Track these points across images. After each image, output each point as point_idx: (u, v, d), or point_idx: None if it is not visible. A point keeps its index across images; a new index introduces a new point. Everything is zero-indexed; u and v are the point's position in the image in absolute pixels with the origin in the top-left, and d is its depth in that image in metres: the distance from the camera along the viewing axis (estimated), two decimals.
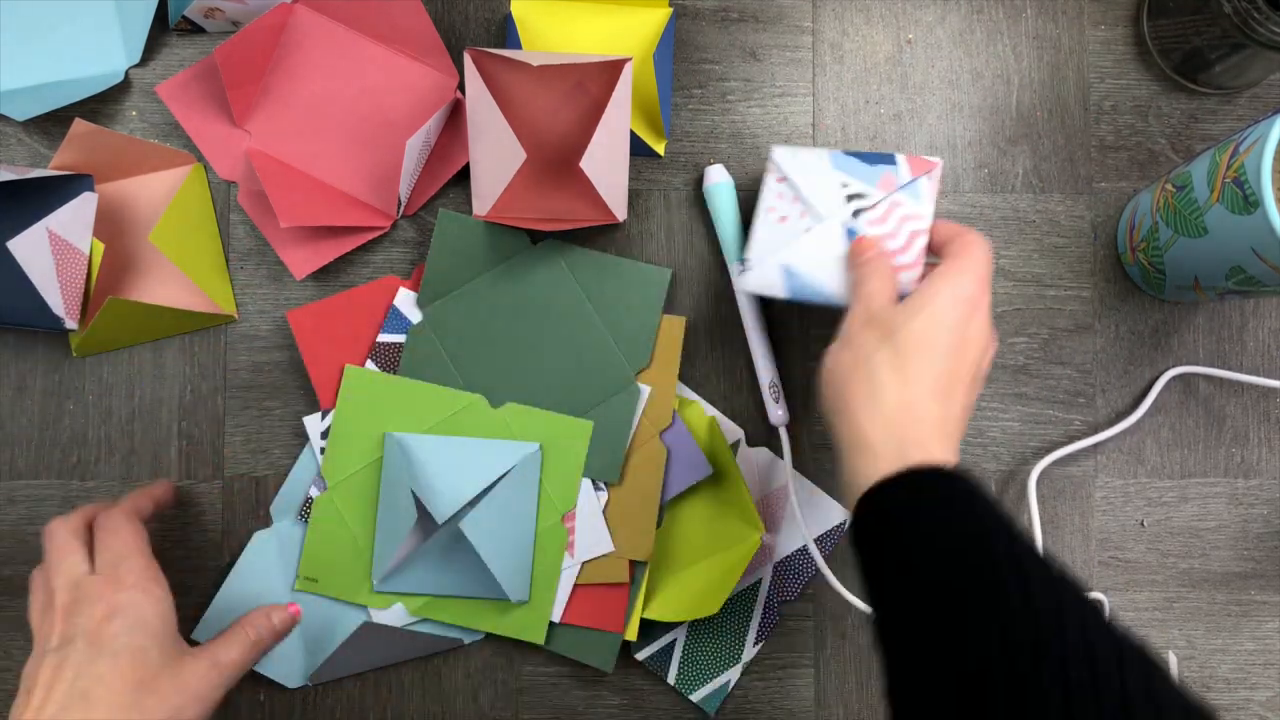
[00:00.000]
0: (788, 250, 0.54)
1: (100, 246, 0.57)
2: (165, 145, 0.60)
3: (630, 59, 0.54)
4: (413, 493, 0.57)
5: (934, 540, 0.41)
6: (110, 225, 0.59)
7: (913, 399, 0.45)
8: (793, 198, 0.54)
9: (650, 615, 0.59)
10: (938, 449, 0.44)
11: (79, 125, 0.57)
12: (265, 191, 0.58)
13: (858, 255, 0.51)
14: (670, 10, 0.61)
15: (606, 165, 0.56)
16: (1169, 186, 0.56)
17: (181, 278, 0.59)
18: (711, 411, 0.61)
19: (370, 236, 0.60)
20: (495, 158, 0.57)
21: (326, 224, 0.58)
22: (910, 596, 0.41)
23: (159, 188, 0.60)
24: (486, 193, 0.58)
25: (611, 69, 0.56)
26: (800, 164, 0.55)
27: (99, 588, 0.48)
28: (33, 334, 0.61)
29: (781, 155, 0.55)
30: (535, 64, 0.56)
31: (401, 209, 0.61)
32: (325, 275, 0.61)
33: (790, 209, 0.54)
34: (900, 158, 0.53)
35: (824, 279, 0.53)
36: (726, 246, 0.60)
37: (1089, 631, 0.37)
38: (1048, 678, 0.35)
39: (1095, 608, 0.39)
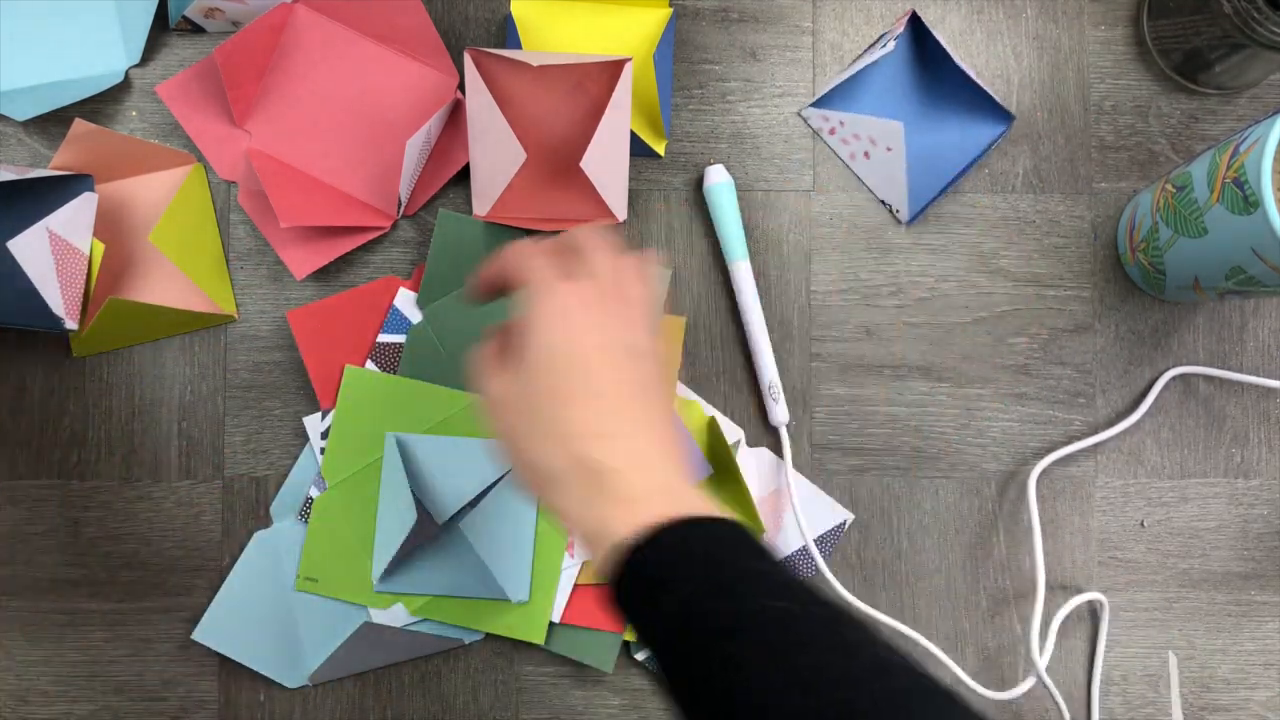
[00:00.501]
0: None
1: (100, 247, 0.57)
2: (165, 145, 0.60)
3: (630, 59, 0.54)
4: (413, 493, 0.57)
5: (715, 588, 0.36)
6: (110, 225, 0.59)
7: (578, 455, 0.41)
8: None
9: None
10: (647, 497, 0.39)
11: (79, 125, 0.57)
12: (265, 191, 0.58)
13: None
14: (670, 10, 0.61)
15: (606, 165, 0.56)
16: (1169, 187, 0.56)
17: (181, 278, 0.59)
18: (711, 411, 0.61)
19: (370, 236, 0.60)
20: (495, 158, 0.57)
21: (326, 224, 0.58)
22: (703, 643, 0.36)
23: (159, 188, 0.60)
24: (486, 193, 0.58)
25: (611, 69, 0.56)
26: None
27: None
28: (33, 334, 0.61)
29: None
30: (535, 64, 0.56)
31: (402, 209, 0.61)
32: (325, 275, 0.61)
33: None
34: None
35: None
36: (726, 246, 0.60)
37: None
38: None
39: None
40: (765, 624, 0.35)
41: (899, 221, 0.62)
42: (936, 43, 0.60)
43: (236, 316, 0.61)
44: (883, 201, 0.62)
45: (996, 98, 0.60)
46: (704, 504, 0.39)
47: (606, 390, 0.40)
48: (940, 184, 0.61)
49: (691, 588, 0.36)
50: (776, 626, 0.35)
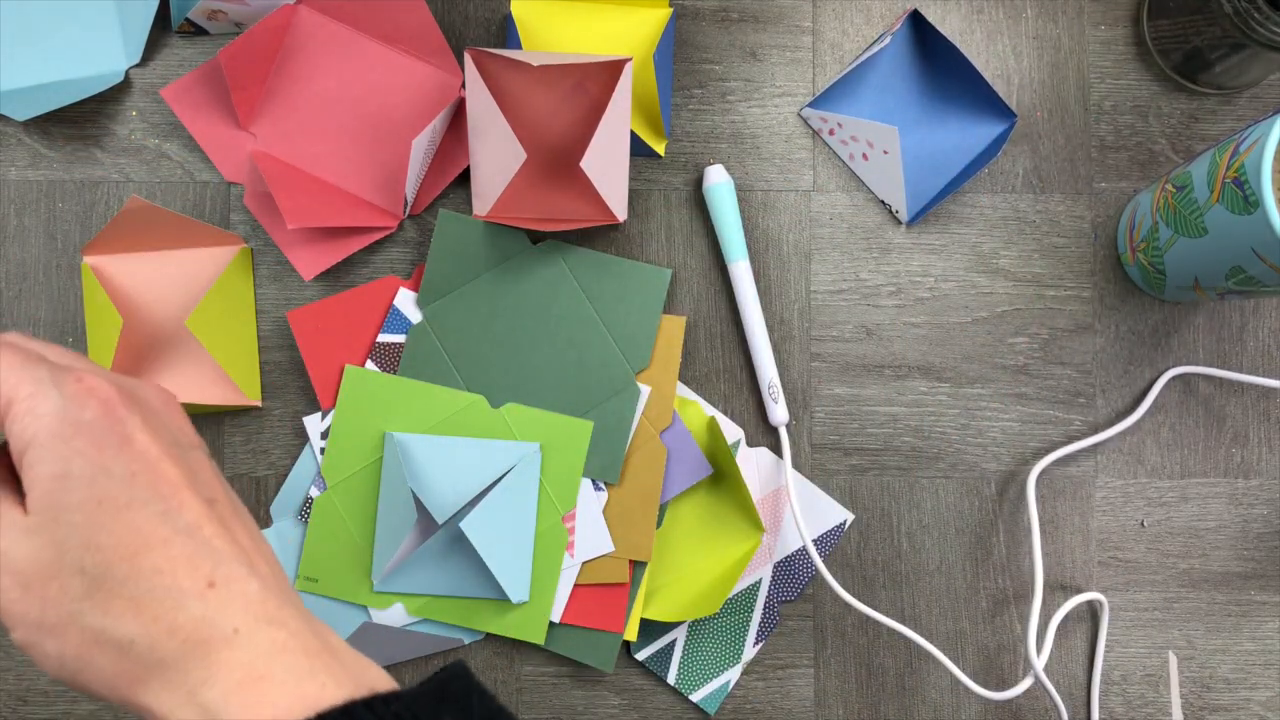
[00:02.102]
0: None
1: (119, 321, 0.56)
2: (214, 226, 0.59)
3: (630, 59, 0.54)
4: (413, 493, 0.57)
5: None
6: (144, 297, 0.59)
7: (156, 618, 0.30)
8: None
9: (650, 615, 0.59)
10: (253, 662, 0.29)
11: (134, 201, 0.54)
12: (271, 193, 0.58)
13: None
14: (670, 10, 0.61)
15: (606, 165, 0.56)
16: (1169, 187, 0.56)
17: (212, 364, 0.59)
18: (711, 411, 0.61)
19: (377, 237, 0.60)
20: (495, 158, 0.57)
21: (333, 225, 0.58)
22: None
23: (201, 269, 0.60)
24: (486, 193, 0.58)
25: (611, 69, 0.56)
26: None
27: None
28: (33, 334, 0.61)
29: None
30: (535, 64, 0.56)
31: (408, 209, 0.61)
32: (326, 275, 0.61)
33: None
34: None
35: None
36: (726, 246, 0.60)
37: None
38: None
39: None
40: None
41: (899, 222, 0.62)
42: (935, 42, 0.60)
43: (261, 405, 0.61)
44: (883, 202, 0.62)
45: (1000, 94, 0.60)
46: (346, 671, 0.31)
47: (198, 515, 0.30)
48: (940, 184, 0.61)
49: None
50: None
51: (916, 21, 0.60)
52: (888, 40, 0.59)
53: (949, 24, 0.63)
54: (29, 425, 0.29)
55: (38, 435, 0.29)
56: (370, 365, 0.60)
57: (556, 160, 0.60)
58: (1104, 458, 0.62)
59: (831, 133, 0.62)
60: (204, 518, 0.30)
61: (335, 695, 0.29)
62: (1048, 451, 0.61)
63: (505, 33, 0.62)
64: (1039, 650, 0.59)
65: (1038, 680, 0.58)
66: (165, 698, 0.28)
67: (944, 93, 0.61)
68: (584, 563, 0.59)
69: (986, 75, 0.63)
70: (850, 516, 0.61)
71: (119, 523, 0.29)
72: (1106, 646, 0.62)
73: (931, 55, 0.61)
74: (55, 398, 0.30)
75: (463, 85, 0.60)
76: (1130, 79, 0.63)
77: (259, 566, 0.31)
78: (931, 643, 0.61)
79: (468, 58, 0.55)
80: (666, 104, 0.60)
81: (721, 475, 0.60)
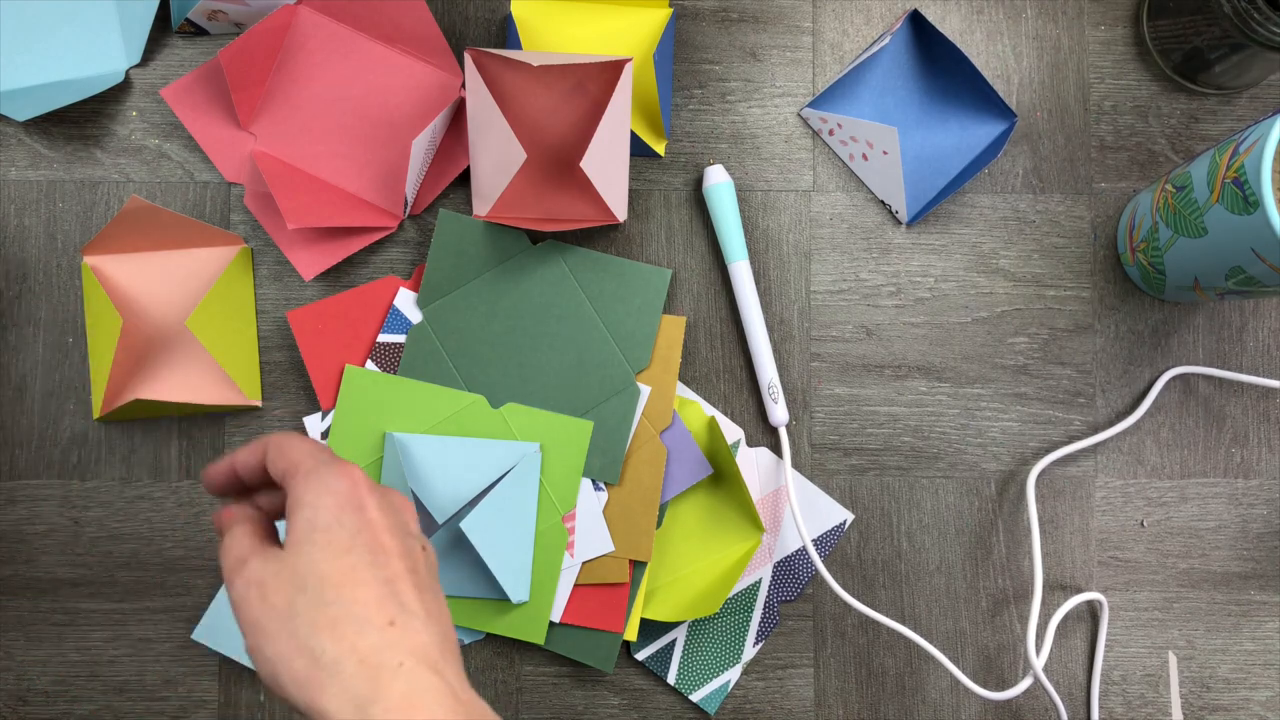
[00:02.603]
0: None
1: (118, 322, 0.56)
2: (215, 227, 0.59)
3: (630, 59, 0.54)
4: (413, 493, 0.57)
5: None
6: (144, 298, 0.59)
7: (366, 662, 0.37)
8: None
9: (650, 615, 0.59)
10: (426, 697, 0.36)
11: (134, 201, 0.55)
12: (272, 194, 0.58)
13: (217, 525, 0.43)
14: (670, 10, 0.61)
15: (606, 165, 0.56)
16: (1169, 187, 0.56)
17: (212, 365, 0.59)
18: (711, 411, 0.61)
19: (378, 237, 0.60)
20: (495, 158, 0.57)
21: (333, 225, 0.58)
22: None
23: (201, 269, 0.60)
24: (487, 193, 0.58)
25: (611, 69, 0.56)
26: None
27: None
28: (33, 334, 0.61)
29: None
30: (535, 64, 0.56)
31: (408, 209, 0.61)
32: (326, 275, 0.61)
33: None
34: None
35: None
36: (726, 246, 0.60)
37: None
38: None
39: None
40: None
41: (899, 222, 0.62)
42: (935, 42, 0.60)
43: (260, 406, 0.61)
44: (883, 202, 0.62)
45: (1000, 92, 0.60)
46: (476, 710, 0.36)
47: (398, 573, 0.38)
48: (940, 184, 0.61)
49: None
50: None
51: (916, 22, 0.60)
52: (887, 40, 0.59)
53: (949, 24, 0.63)
54: (301, 487, 0.39)
55: (304, 495, 0.38)
56: (370, 365, 0.60)
57: (556, 160, 0.60)
58: (1104, 458, 0.62)
59: (831, 133, 0.62)
60: (401, 577, 0.38)
61: None
62: (1048, 451, 0.62)
63: (505, 33, 0.62)
64: (1038, 650, 0.59)
65: (1037, 680, 0.58)
66: (338, 705, 0.35)
67: (944, 93, 0.61)
68: (584, 563, 0.59)
69: (986, 75, 0.63)
70: (850, 516, 0.61)
71: (339, 560, 0.37)
72: (1106, 646, 0.62)
73: (931, 55, 0.61)
74: (324, 474, 0.39)
75: (463, 85, 0.60)
76: (1130, 79, 0.63)
77: (434, 625, 0.38)
78: (931, 643, 0.61)
79: (468, 58, 0.55)
80: (666, 104, 0.60)
81: (721, 475, 0.61)
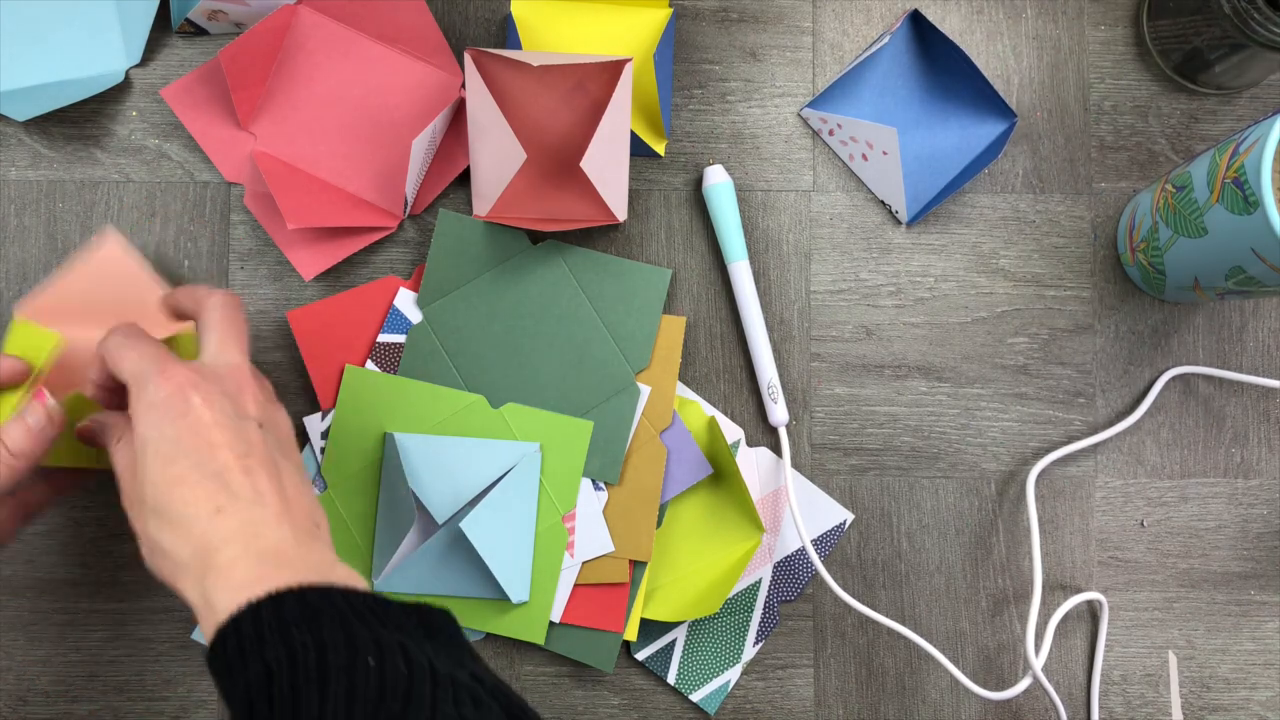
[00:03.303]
0: None
1: (52, 339, 0.53)
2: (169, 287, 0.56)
3: (630, 59, 0.54)
4: (413, 493, 0.57)
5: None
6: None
7: (193, 536, 0.42)
8: None
9: (650, 615, 0.59)
10: (247, 569, 0.40)
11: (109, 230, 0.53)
12: (272, 194, 0.58)
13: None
14: (670, 10, 0.61)
15: (606, 165, 0.56)
16: (1169, 187, 0.56)
17: None
18: (711, 411, 0.61)
19: (378, 237, 0.60)
20: (495, 158, 0.57)
21: (333, 225, 0.58)
22: None
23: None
24: (487, 193, 0.58)
25: (611, 69, 0.56)
26: None
27: None
28: None
29: None
30: (535, 64, 0.56)
31: (408, 209, 0.61)
32: (326, 275, 0.61)
33: None
34: None
35: None
36: (726, 246, 0.60)
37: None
38: None
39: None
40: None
41: (899, 222, 0.62)
42: (935, 42, 0.60)
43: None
44: (883, 202, 0.62)
45: (1000, 92, 0.60)
46: (318, 567, 0.40)
47: (226, 463, 0.42)
48: (940, 184, 0.61)
49: (260, 669, 0.36)
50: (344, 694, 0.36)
51: (916, 21, 0.60)
52: (887, 40, 0.59)
53: (949, 24, 0.63)
54: (132, 404, 0.43)
55: (135, 411, 0.43)
56: (370, 365, 0.60)
57: (556, 160, 0.60)
58: (1104, 458, 0.62)
59: (831, 133, 0.62)
60: (230, 467, 0.42)
61: (289, 582, 0.38)
62: (1047, 451, 0.62)
63: (505, 33, 0.62)
64: (1037, 650, 0.59)
65: (1036, 680, 0.58)
66: (188, 586, 0.40)
67: (944, 93, 0.61)
68: (584, 563, 0.59)
69: (986, 75, 0.63)
70: (850, 516, 0.61)
71: (166, 470, 0.41)
72: (1106, 646, 0.62)
73: (931, 55, 0.61)
74: (148, 386, 0.43)
75: (463, 85, 0.60)
76: (1130, 79, 0.63)
77: (266, 500, 0.42)
78: (931, 642, 0.61)
79: (468, 58, 0.55)
80: (666, 104, 0.60)
81: (721, 475, 0.61)
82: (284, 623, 0.37)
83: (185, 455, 0.41)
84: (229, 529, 0.40)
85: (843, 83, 0.61)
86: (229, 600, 0.38)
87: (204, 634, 0.39)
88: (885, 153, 0.59)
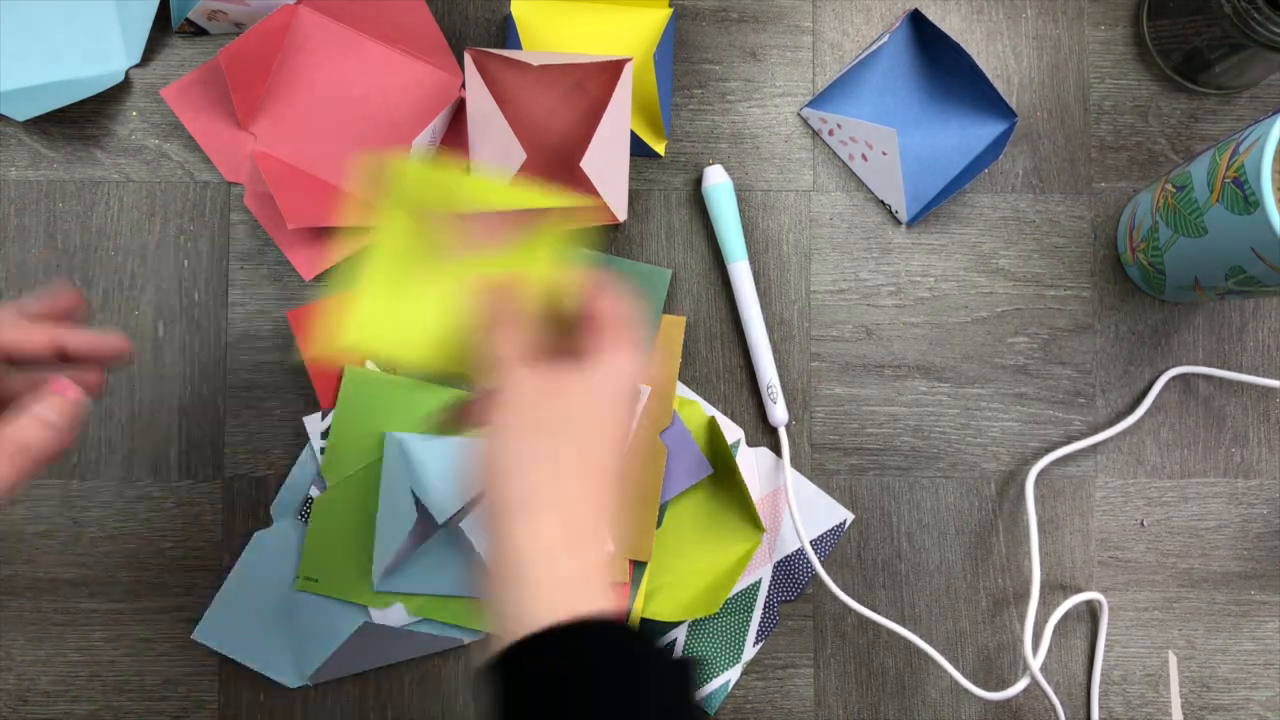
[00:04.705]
0: None
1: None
2: None
3: (630, 59, 0.54)
4: (413, 493, 0.57)
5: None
6: None
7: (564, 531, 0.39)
8: None
9: (650, 615, 0.59)
10: (594, 593, 0.39)
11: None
12: (272, 193, 0.58)
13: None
14: (670, 10, 0.61)
15: (606, 165, 0.56)
16: (1169, 186, 0.56)
17: None
18: (711, 411, 0.61)
19: None
20: (495, 158, 0.57)
21: (333, 224, 0.58)
22: None
23: None
24: None
25: (611, 69, 0.56)
26: None
27: None
28: None
29: None
30: (535, 64, 0.56)
31: None
32: (326, 275, 0.61)
33: None
34: None
35: None
36: (726, 247, 0.60)
37: None
38: None
39: None
40: None
41: (899, 222, 0.62)
42: (935, 42, 0.60)
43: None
44: (883, 202, 0.62)
45: (1000, 92, 0.60)
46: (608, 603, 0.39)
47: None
48: (939, 184, 0.61)
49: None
50: None
51: (916, 21, 0.60)
52: (886, 39, 0.59)
53: (949, 24, 0.63)
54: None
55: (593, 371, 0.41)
56: (370, 365, 0.60)
57: (556, 160, 0.60)
58: (1104, 458, 0.62)
59: (831, 133, 0.62)
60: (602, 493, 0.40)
61: (599, 613, 0.38)
62: (1047, 451, 0.61)
63: (505, 33, 0.62)
64: (1035, 651, 0.59)
65: (1034, 680, 0.58)
66: (509, 584, 0.38)
67: (945, 92, 0.61)
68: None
69: (986, 75, 0.63)
70: (850, 516, 0.61)
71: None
72: (1106, 646, 0.62)
73: (932, 55, 0.61)
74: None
75: (463, 85, 0.60)
76: (1130, 79, 0.63)
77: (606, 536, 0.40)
78: (931, 642, 0.61)
79: (468, 58, 0.55)
80: (666, 104, 0.60)
81: (721, 475, 0.60)
82: (582, 654, 0.36)
83: (599, 442, 0.40)
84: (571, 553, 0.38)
85: (842, 82, 0.61)
86: (543, 614, 0.36)
87: (498, 633, 0.37)
88: (885, 153, 0.59)
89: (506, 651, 0.37)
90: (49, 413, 0.40)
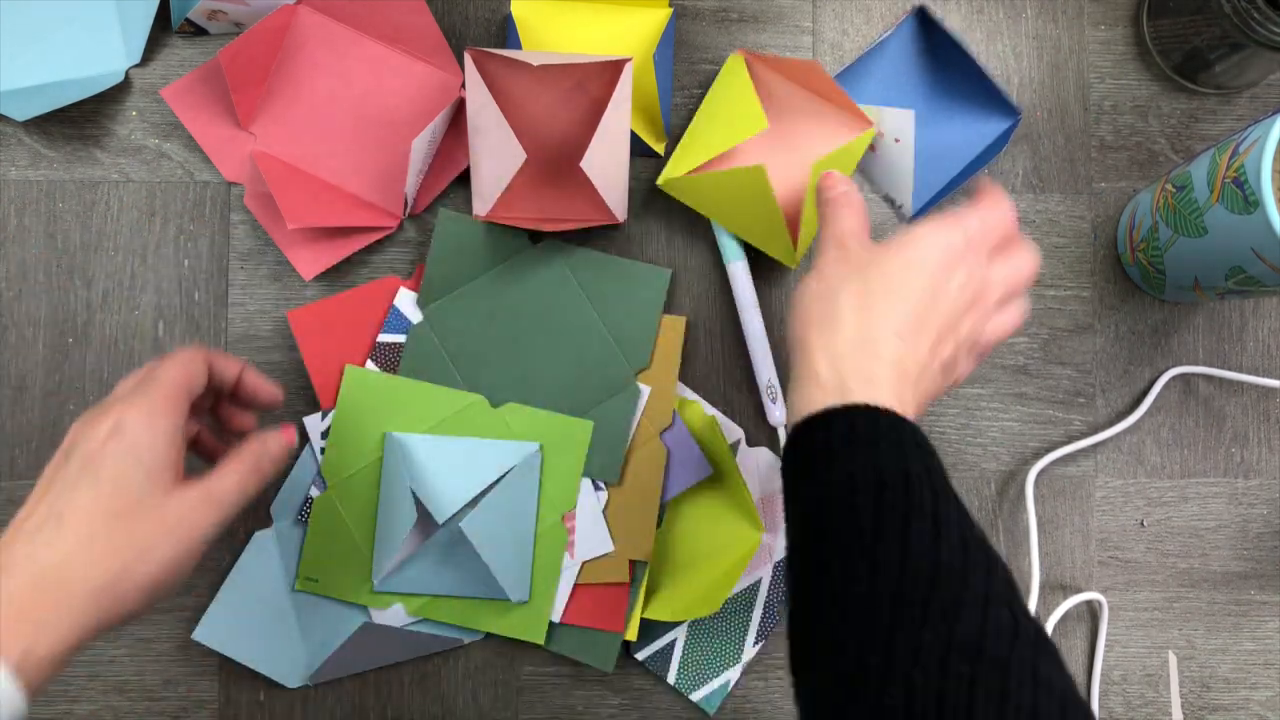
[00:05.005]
0: None
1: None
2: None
3: (630, 59, 0.54)
4: (413, 493, 0.57)
5: (847, 482, 0.40)
6: None
7: (871, 335, 0.43)
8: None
9: (650, 615, 0.59)
10: (887, 389, 0.42)
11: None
12: (272, 194, 0.58)
13: (825, 191, 0.50)
14: (670, 10, 0.61)
15: (607, 165, 0.56)
16: (1169, 187, 0.56)
17: None
18: (711, 411, 0.61)
19: (378, 236, 0.60)
20: (495, 158, 0.57)
21: (333, 224, 0.58)
22: (813, 535, 0.40)
23: None
24: (487, 193, 0.58)
25: (611, 69, 0.56)
26: None
27: (113, 408, 0.44)
28: (34, 334, 0.61)
29: None
30: (535, 64, 0.56)
31: (409, 208, 0.61)
32: (326, 275, 0.61)
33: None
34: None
35: None
36: (726, 247, 0.60)
37: (991, 605, 0.36)
38: (929, 647, 0.34)
39: (1005, 577, 0.38)
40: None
41: (902, 217, 0.62)
42: (939, 39, 0.60)
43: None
44: (886, 197, 0.62)
45: (1004, 90, 0.60)
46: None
47: (924, 318, 0.44)
48: (944, 179, 0.61)
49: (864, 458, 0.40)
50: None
51: (921, 18, 0.60)
52: (889, 34, 0.59)
53: (949, 24, 0.63)
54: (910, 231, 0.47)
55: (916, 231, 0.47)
56: (370, 365, 0.60)
57: (556, 160, 0.60)
58: (1104, 458, 0.62)
59: None
60: (929, 329, 0.45)
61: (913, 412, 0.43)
62: (1047, 451, 0.61)
63: (505, 33, 0.62)
64: None
65: None
66: (826, 358, 0.44)
67: (948, 89, 0.61)
68: (584, 563, 0.59)
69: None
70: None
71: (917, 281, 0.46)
72: (1106, 646, 0.62)
73: (936, 52, 0.61)
74: (942, 230, 0.46)
75: (463, 85, 0.60)
76: (1130, 79, 0.63)
77: (921, 357, 0.45)
78: None
79: (468, 58, 0.55)
80: (666, 104, 0.60)
81: (721, 475, 0.60)
82: (895, 441, 0.40)
83: (927, 291, 0.44)
84: (893, 352, 0.43)
85: (848, 76, 0.61)
86: (858, 393, 0.42)
87: (804, 407, 0.42)
88: (898, 140, 0.59)
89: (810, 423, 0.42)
90: (276, 444, 0.47)
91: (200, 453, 0.52)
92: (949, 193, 0.60)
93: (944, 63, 0.61)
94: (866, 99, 0.61)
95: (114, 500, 0.42)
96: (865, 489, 0.39)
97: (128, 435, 0.43)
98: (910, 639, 0.35)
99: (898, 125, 0.59)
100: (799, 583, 0.40)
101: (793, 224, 0.59)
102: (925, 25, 0.60)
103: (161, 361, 0.47)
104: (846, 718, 0.35)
